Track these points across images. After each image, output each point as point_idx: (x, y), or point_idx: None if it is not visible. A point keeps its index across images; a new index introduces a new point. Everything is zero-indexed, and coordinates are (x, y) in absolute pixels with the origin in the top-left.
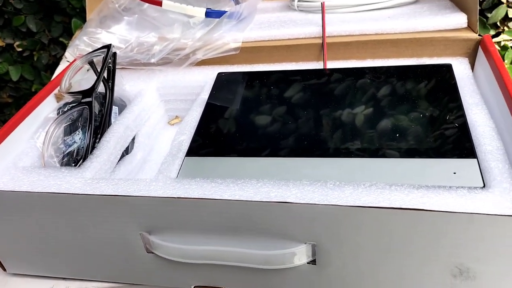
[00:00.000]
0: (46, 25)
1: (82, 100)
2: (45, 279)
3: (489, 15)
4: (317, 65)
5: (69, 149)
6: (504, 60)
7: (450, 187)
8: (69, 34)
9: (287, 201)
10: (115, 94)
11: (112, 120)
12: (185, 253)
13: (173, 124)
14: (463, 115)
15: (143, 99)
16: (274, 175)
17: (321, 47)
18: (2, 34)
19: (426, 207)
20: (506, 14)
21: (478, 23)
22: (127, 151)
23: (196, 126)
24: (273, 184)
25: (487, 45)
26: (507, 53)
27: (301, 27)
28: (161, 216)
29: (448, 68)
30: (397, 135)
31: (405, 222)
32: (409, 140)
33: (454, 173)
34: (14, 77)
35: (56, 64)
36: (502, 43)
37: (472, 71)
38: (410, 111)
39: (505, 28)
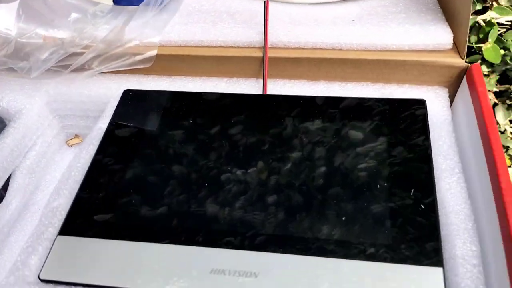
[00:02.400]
0: None
1: None
2: None
3: None
4: (255, 83)
5: None
6: (488, 39)
7: None
8: None
9: None
10: None
11: None
12: None
13: (71, 146)
14: (432, 193)
15: (23, 120)
16: (176, 273)
17: (262, 63)
18: None
19: None
20: None
21: (466, 44)
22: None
23: (80, 184)
24: None
25: (475, 81)
26: (492, 30)
27: (239, 28)
28: None
29: (421, 107)
30: (344, 223)
31: None
32: (360, 232)
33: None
34: None
35: None
36: (488, 19)
37: (451, 104)
38: (363, 182)
39: (494, 3)
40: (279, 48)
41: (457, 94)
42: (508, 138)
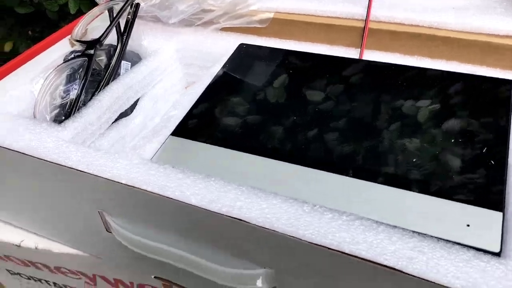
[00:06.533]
0: None
1: (86, 52)
2: (17, 230)
3: None
4: (354, 52)
5: (62, 101)
6: None
7: (453, 244)
8: None
9: (243, 218)
10: (132, 49)
11: None
12: (139, 244)
13: None
14: (504, 154)
15: (156, 58)
16: (259, 178)
17: (362, 33)
18: None
19: (403, 266)
20: None
21: None
22: (126, 114)
23: (193, 102)
24: (243, 191)
25: None
26: None
27: (346, 3)
28: (116, 200)
29: (508, 86)
30: (416, 161)
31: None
32: (429, 171)
33: (468, 225)
34: (72, 10)
35: None
36: None
37: None
38: (441, 135)
39: None
40: (380, 21)
41: None
42: None
